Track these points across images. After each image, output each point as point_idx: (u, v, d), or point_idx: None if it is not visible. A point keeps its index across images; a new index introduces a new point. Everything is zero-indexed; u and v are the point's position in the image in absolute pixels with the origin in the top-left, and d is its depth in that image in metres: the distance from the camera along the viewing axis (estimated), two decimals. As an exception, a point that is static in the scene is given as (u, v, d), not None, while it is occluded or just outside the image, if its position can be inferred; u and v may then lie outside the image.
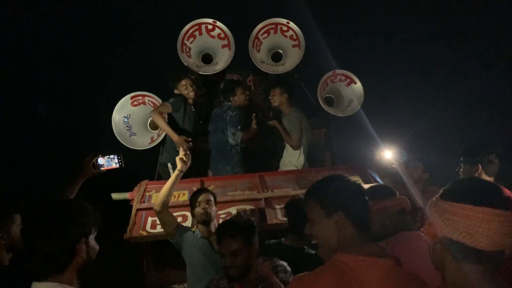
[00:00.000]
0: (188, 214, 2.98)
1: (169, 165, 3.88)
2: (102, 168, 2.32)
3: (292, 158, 4.09)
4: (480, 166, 2.51)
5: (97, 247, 1.38)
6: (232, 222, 2.10)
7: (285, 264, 2.10)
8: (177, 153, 3.84)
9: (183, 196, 3.31)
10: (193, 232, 2.67)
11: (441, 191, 1.12)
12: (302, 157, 4.07)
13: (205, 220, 2.62)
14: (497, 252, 1.00)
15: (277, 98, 4.04)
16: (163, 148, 4.04)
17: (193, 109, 4.03)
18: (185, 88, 3.90)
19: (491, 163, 2.51)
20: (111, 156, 2.35)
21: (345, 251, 1.26)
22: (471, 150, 2.58)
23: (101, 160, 2.32)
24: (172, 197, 3.25)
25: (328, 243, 1.32)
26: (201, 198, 2.66)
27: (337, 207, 1.31)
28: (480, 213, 0.99)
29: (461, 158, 2.61)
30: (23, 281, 1.93)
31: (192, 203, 2.69)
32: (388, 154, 2.94)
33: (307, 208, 1.40)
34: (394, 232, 1.77)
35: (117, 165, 2.36)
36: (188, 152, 2.69)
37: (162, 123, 3.71)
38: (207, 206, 2.62)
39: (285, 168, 4.09)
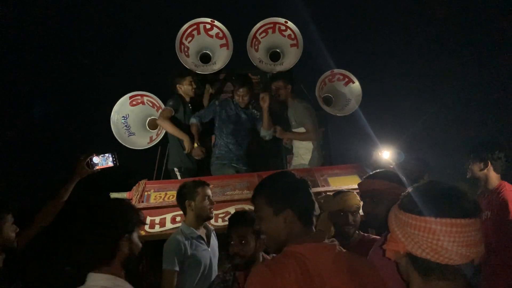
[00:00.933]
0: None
1: (177, 170, 3.91)
2: (97, 167, 2.30)
3: (306, 156, 3.98)
4: (489, 162, 2.57)
5: (140, 244, 1.46)
6: (245, 213, 2.14)
7: None
8: (186, 156, 3.89)
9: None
10: (182, 239, 2.45)
11: (400, 200, 1.02)
12: (313, 154, 3.97)
13: (209, 218, 2.60)
14: (466, 265, 0.91)
15: (283, 91, 3.96)
16: (169, 152, 4.05)
17: (190, 107, 4.06)
18: (189, 84, 3.96)
19: (499, 160, 2.57)
20: (106, 155, 2.33)
21: (295, 242, 1.33)
22: (481, 146, 2.62)
23: (95, 159, 2.30)
24: (170, 197, 3.26)
25: (277, 238, 1.39)
26: (209, 192, 2.61)
27: (285, 205, 1.37)
28: (443, 226, 0.89)
29: (470, 155, 2.65)
30: (17, 282, 1.93)
31: (193, 194, 2.54)
32: (386, 155, 2.95)
33: (255, 206, 1.45)
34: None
35: (112, 164, 2.34)
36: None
37: (171, 128, 3.80)
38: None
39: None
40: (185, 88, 3.97)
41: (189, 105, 4.06)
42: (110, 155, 2.34)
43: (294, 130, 4.01)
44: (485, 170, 2.59)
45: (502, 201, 2.48)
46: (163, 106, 3.99)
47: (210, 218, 2.62)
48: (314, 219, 1.41)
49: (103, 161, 2.31)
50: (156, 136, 4.00)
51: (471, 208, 0.92)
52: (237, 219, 2.06)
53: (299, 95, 4.34)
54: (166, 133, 4.01)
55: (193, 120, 3.88)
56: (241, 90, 3.80)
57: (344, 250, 1.35)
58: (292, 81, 4.09)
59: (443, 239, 0.89)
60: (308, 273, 1.24)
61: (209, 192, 2.61)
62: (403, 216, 0.97)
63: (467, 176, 2.71)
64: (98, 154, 2.31)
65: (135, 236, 1.45)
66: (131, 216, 1.45)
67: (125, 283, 1.39)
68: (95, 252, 1.36)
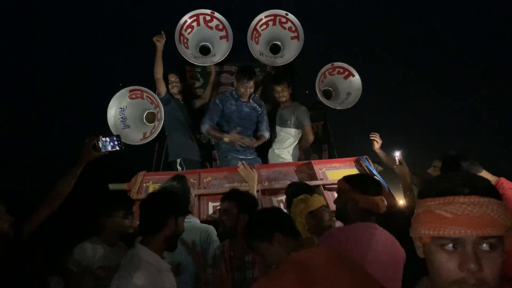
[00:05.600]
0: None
1: (178, 162, 3.99)
2: (104, 150, 2.23)
3: (285, 152, 4.10)
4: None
5: (183, 228, 1.91)
6: (234, 190, 2.49)
7: None
8: (189, 146, 4.03)
9: (180, 188, 3.31)
10: None
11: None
12: (296, 150, 4.13)
13: None
14: None
15: (287, 93, 4.04)
16: (169, 145, 4.14)
17: (181, 101, 4.15)
18: (169, 83, 4.07)
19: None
20: (112, 138, 2.27)
21: (293, 251, 1.48)
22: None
23: (102, 142, 2.23)
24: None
25: (277, 260, 1.60)
26: None
27: (270, 231, 1.61)
28: None
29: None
30: (20, 271, 1.92)
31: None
32: (395, 153, 3.06)
33: (256, 249, 1.68)
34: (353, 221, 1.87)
35: (117, 148, 2.27)
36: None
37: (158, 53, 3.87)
38: None
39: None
40: (170, 86, 4.07)
41: (179, 99, 4.14)
42: (115, 138, 2.27)
43: (290, 128, 4.09)
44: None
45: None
46: (161, 104, 3.93)
47: None
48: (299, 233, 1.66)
49: (109, 144, 2.24)
50: (150, 134, 3.87)
51: None
52: (226, 195, 2.45)
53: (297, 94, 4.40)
54: (163, 128, 3.95)
55: (206, 127, 3.81)
56: (251, 83, 3.78)
57: (336, 251, 1.46)
58: (293, 83, 4.19)
59: None
60: (309, 276, 1.33)
61: None
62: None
63: None
64: (104, 137, 2.24)
65: (180, 220, 1.89)
66: (180, 204, 1.94)
67: (157, 259, 1.79)
68: (149, 226, 1.84)
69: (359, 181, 1.97)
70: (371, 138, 3.72)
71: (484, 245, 0.82)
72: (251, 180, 3.17)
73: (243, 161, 3.46)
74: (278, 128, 4.18)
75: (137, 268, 1.70)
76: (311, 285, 1.29)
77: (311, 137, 4.07)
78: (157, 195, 2.04)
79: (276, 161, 4.06)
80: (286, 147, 4.10)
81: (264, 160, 4.17)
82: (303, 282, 1.30)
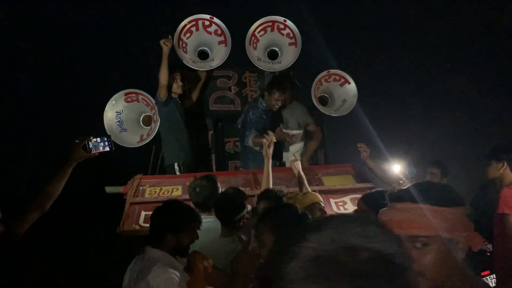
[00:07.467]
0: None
1: (176, 165, 3.95)
2: (94, 151, 2.18)
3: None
4: (505, 163, 2.66)
5: (187, 241, 1.93)
6: (270, 190, 2.62)
7: None
8: (183, 150, 3.98)
9: (177, 191, 3.33)
10: None
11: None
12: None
13: None
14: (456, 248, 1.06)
15: (289, 98, 4.13)
16: (164, 149, 4.12)
17: (179, 101, 4.18)
18: (175, 81, 4.07)
19: None
20: (103, 138, 2.23)
21: None
22: (499, 149, 2.74)
23: (92, 143, 2.18)
24: (165, 192, 3.28)
25: None
26: None
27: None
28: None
29: (489, 156, 2.75)
30: (9, 275, 1.90)
31: None
32: (396, 168, 2.97)
33: (259, 232, 1.61)
34: None
35: (108, 148, 2.24)
36: None
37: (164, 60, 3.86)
38: None
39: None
40: (171, 85, 4.06)
41: (178, 99, 4.17)
42: (106, 139, 2.23)
43: (293, 131, 4.13)
44: (501, 170, 2.68)
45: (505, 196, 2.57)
46: (156, 106, 3.92)
47: None
48: None
49: (100, 145, 2.20)
50: (147, 136, 3.89)
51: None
52: (264, 195, 2.55)
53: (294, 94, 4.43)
54: (158, 132, 3.93)
55: (249, 139, 3.87)
56: (280, 95, 3.93)
57: None
58: (292, 85, 4.26)
59: None
60: None
61: None
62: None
63: (483, 178, 2.78)
64: (95, 137, 2.20)
65: (181, 236, 1.90)
66: (182, 220, 1.94)
67: (170, 257, 1.86)
68: (151, 238, 1.94)
69: (374, 201, 1.93)
70: (359, 148, 3.48)
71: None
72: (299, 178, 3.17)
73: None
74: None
75: (154, 265, 1.76)
76: None
77: (318, 135, 4.14)
78: (159, 210, 2.02)
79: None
80: (295, 151, 4.14)
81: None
82: None
